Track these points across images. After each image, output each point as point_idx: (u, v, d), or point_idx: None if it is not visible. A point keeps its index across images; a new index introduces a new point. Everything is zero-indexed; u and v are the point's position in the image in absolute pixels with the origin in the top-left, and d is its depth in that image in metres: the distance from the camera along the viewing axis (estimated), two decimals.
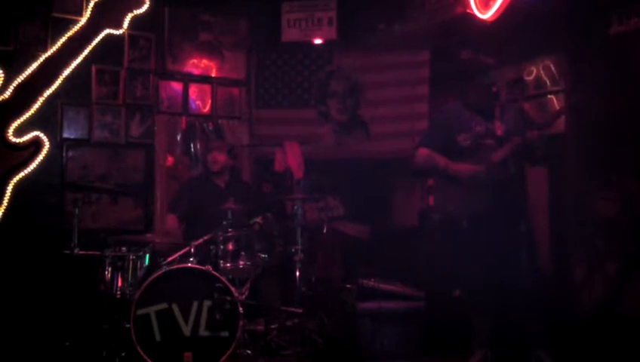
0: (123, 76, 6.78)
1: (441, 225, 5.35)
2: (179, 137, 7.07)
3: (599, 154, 5.17)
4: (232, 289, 4.98)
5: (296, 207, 5.56)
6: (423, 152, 4.90)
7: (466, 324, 4.97)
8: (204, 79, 7.25)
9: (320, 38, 7.37)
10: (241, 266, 5.22)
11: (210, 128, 7.19)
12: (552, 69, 5.90)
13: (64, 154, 6.49)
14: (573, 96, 4.54)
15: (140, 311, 4.87)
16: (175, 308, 4.93)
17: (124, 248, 5.16)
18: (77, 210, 5.13)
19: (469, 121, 4.74)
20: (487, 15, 5.63)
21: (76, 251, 5.01)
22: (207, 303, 4.95)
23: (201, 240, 5.32)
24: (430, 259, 5.83)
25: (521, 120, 4.73)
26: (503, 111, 4.81)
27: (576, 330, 4.82)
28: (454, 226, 4.79)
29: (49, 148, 5.47)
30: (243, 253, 5.25)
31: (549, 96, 5.94)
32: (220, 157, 6.06)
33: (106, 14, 5.59)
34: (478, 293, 4.74)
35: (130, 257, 5.11)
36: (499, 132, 4.66)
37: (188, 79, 7.17)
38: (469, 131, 4.70)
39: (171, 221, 5.96)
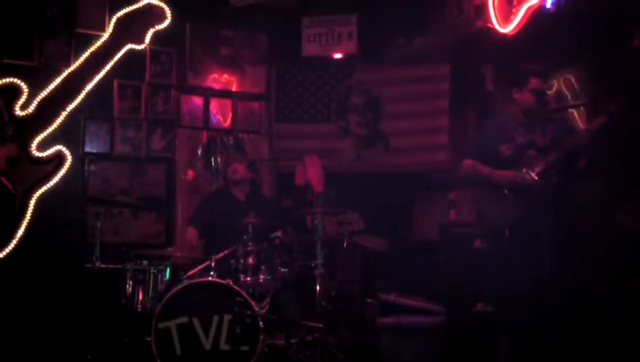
0: (145, 91, 6.84)
1: (483, 235, 5.38)
2: (200, 151, 7.11)
3: (620, 167, 5.13)
4: (253, 303, 4.98)
5: (316, 221, 5.55)
6: (467, 163, 4.96)
7: (487, 339, 4.93)
8: (224, 94, 7.30)
9: (340, 52, 7.40)
10: (261, 280, 5.22)
11: (231, 142, 7.22)
12: (573, 82, 5.86)
13: (86, 168, 6.55)
14: (612, 104, 4.50)
15: (161, 325, 4.88)
16: (196, 322, 4.93)
17: (145, 262, 5.19)
18: (99, 224, 5.15)
19: (512, 133, 4.75)
20: (507, 29, 5.62)
21: (98, 265, 5.04)
22: (227, 317, 4.95)
23: (221, 254, 5.33)
24: (451, 274, 5.80)
25: (565, 130, 4.71)
26: (547, 121, 4.82)
27: (601, 345, 4.77)
28: (496, 236, 4.82)
29: (71, 162, 5.51)
30: (263, 267, 5.25)
31: (570, 110, 5.90)
32: (241, 168, 6.10)
33: (128, 30, 5.62)
34: (513, 305, 4.69)
35: (151, 271, 5.13)
36: (540, 142, 4.67)
37: (209, 94, 7.22)
38: (511, 142, 4.72)
39: (191, 234, 5.98)
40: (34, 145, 5.37)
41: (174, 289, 4.98)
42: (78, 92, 5.56)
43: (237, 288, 5.02)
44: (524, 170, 4.64)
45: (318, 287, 5.39)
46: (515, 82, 4.86)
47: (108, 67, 5.68)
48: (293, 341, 5.28)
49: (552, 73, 5.70)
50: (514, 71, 4.94)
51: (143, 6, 5.66)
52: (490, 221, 4.92)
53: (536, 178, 4.59)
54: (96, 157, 6.63)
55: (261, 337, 4.92)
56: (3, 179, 5.02)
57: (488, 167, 4.80)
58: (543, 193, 4.57)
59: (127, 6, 5.67)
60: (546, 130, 4.72)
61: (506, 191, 4.68)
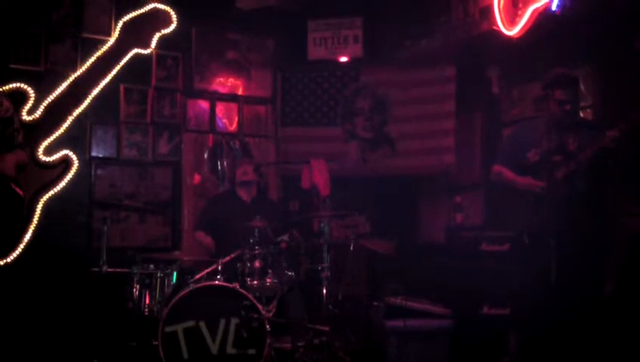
0: (151, 95, 6.84)
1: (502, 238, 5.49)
2: (206, 155, 7.11)
3: (627, 170, 5.11)
4: (259, 306, 4.99)
5: (322, 225, 5.55)
6: (496, 169, 5.01)
7: (494, 342, 4.92)
8: (230, 97, 7.30)
9: (346, 55, 7.41)
10: (268, 284, 5.23)
11: (237, 146, 7.22)
12: (580, 83, 5.85)
13: (93, 172, 6.55)
14: (635, 112, 4.49)
15: (168, 329, 4.89)
16: (202, 325, 4.94)
17: (151, 266, 5.19)
18: (105, 228, 5.16)
19: (540, 138, 4.75)
20: (513, 32, 5.62)
21: (104, 269, 5.05)
22: (234, 321, 4.96)
23: (228, 258, 5.34)
24: (458, 277, 5.78)
25: (592, 135, 4.69)
26: (578, 125, 4.81)
27: (603, 345, 4.75)
28: (517, 241, 4.85)
29: (78, 166, 5.53)
30: (270, 270, 5.25)
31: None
32: (250, 170, 6.12)
33: (134, 34, 5.65)
34: (530, 309, 4.69)
35: (158, 275, 5.14)
36: (570, 147, 4.66)
37: (215, 97, 7.23)
38: (539, 147, 4.71)
39: (204, 238, 6.01)
40: (41, 149, 5.39)
41: (181, 293, 4.98)
42: (85, 96, 5.59)
43: (244, 291, 5.03)
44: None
45: (324, 290, 5.40)
46: (545, 87, 4.85)
47: (114, 71, 5.70)
48: (299, 344, 5.27)
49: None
50: (546, 74, 4.92)
51: (149, 10, 5.68)
52: (512, 225, 4.94)
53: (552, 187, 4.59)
54: (103, 161, 6.63)
55: (268, 340, 4.92)
56: (13, 185, 5.04)
57: (513, 172, 4.83)
58: (557, 197, 4.56)
59: (134, 10, 5.70)
60: (576, 135, 4.71)
61: (532, 200, 4.68)
